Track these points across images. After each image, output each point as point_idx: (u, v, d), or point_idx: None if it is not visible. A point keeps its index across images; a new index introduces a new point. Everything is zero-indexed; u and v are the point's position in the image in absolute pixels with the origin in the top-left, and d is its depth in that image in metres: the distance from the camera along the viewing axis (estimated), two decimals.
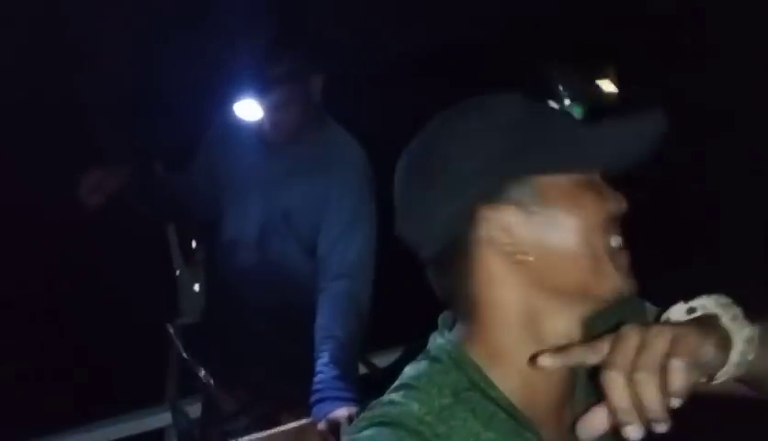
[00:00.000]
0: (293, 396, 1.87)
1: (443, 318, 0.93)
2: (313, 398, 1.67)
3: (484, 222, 0.83)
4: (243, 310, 2.03)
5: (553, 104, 0.84)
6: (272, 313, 1.99)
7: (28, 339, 2.44)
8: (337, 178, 1.90)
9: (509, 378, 0.84)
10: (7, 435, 2.21)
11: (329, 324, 1.78)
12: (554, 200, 0.83)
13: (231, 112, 1.90)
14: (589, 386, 0.88)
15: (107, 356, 2.49)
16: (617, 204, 0.85)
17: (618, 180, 0.88)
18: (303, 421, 1.72)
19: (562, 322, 0.84)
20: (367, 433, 0.79)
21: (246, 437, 1.72)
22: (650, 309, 0.99)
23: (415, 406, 0.81)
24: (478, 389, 0.83)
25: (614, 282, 0.82)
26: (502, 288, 0.84)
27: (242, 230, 2.00)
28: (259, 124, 1.88)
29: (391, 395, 0.84)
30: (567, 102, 0.77)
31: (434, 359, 0.86)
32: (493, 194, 0.83)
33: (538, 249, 0.83)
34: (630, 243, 0.86)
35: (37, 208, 2.33)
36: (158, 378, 2.41)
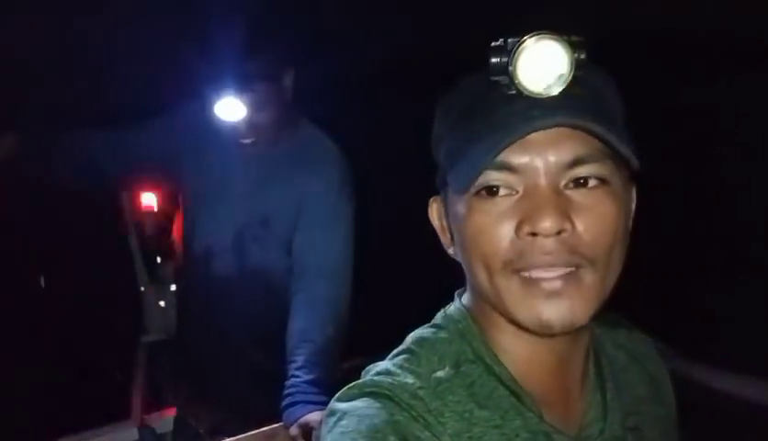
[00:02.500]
0: (273, 412, 1.79)
1: (460, 290, 0.88)
2: (285, 402, 1.64)
3: (429, 205, 0.87)
4: (221, 323, 1.94)
5: (507, 88, 0.74)
6: (252, 325, 1.91)
7: None
8: (316, 176, 1.83)
9: (510, 351, 0.80)
10: None
11: (306, 328, 1.73)
12: (455, 210, 0.78)
13: (204, 109, 1.82)
14: (615, 377, 0.87)
15: (73, 372, 2.46)
16: (529, 225, 0.71)
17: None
18: (274, 425, 1.68)
19: (507, 334, 0.80)
20: (356, 403, 0.76)
21: None
22: (648, 342, 0.97)
23: (410, 378, 0.78)
24: (481, 362, 0.80)
25: (514, 312, 0.74)
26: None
27: (216, 236, 1.92)
28: (232, 126, 1.81)
29: (388, 364, 0.82)
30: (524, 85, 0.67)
31: (440, 327, 0.84)
32: (439, 180, 0.85)
33: (455, 248, 0.82)
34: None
35: None
36: (125, 394, 2.39)
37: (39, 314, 2.50)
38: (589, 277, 0.72)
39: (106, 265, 2.57)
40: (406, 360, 0.81)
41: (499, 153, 0.71)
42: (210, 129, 1.87)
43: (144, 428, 2.29)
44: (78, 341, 2.48)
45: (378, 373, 0.80)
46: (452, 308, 0.86)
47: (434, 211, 0.86)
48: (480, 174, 0.72)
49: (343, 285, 1.82)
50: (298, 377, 1.66)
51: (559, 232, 0.71)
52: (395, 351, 0.84)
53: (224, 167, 1.90)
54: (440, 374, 0.79)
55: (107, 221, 2.58)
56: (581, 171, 0.72)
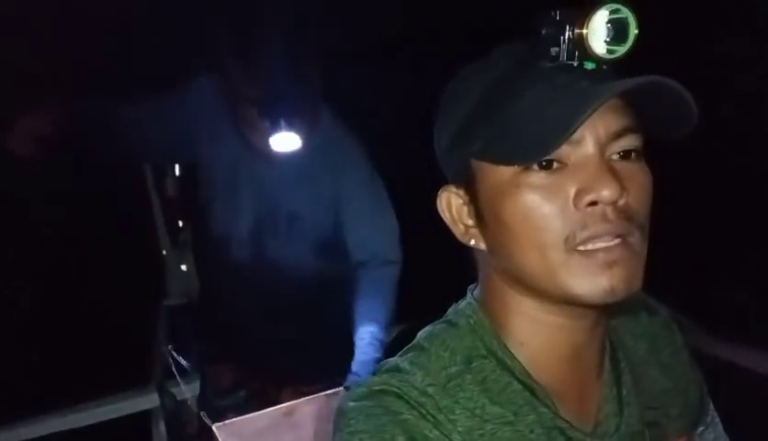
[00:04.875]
0: (293, 374, 1.95)
1: (472, 286, 0.87)
2: (352, 379, 1.68)
3: (438, 196, 0.83)
4: (240, 302, 2.00)
5: (550, 61, 0.72)
6: (271, 309, 1.96)
7: (11, 321, 2.41)
8: (347, 176, 1.87)
9: (525, 343, 0.79)
10: None
11: (376, 308, 1.82)
12: (491, 192, 0.75)
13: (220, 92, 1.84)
14: (633, 371, 0.86)
15: (92, 338, 2.46)
16: (591, 194, 0.70)
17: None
18: (292, 401, 1.71)
19: (526, 324, 0.79)
20: (365, 402, 0.75)
21: (233, 419, 1.71)
22: (669, 321, 0.95)
23: (419, 376, 0.77)
24: (494, 356, 0.79)
25: (574, 286, 0.72)
26: (480, 254, 0.82)
27: (234, 225, 1.93)
28: (255, 128, 1.78)
29: (398, 360, 0.80)
30: (573, 56, 0.65)
31: (451, 323, 0.83)
32: (447, 171, 0.82)
33: (479, 235, 0.79)
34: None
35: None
36: (144, 360, 2.39)
37: (60, 278, 2.50)
38: (637, 243, 0.73)
39: (127, 229, 2.56)
40: (416, 357, 0.80)
41: (582, 123, 0.68)
42: (228, 114, 1.84)
43: (164, 393, 2.29)
44: (99, 305, 2.48)
45: (388, 370, 0.79)
46: (463, 303, 0.85)
47: (444, 202, 0.82)
48: (558, 144, 0.69)
49: (397, 264, 1.93)
50: (368, 354, 1.73)
51: (615, 201, 0.71)
52: (406, 348, 0.83)
53: (241, 158, 1.87)
54: (451, 370, 0.78)
55: (130, 184, 2.55)
56: (626, 143, 0.73)
